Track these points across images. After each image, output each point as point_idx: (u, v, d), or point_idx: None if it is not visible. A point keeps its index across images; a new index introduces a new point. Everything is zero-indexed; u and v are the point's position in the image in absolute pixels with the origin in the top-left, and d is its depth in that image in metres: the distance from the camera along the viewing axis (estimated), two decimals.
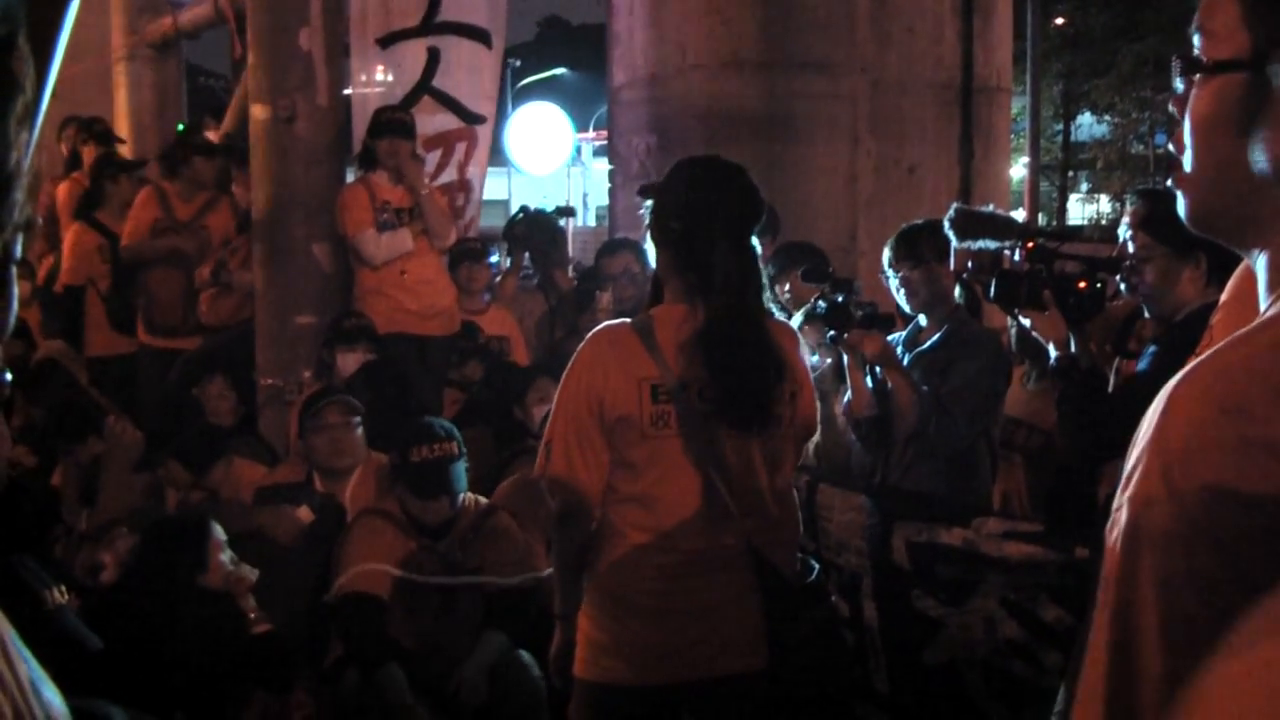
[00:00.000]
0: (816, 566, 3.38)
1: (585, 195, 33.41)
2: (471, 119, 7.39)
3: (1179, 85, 1.34)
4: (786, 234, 6.19)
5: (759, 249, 3.25)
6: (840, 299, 4.41)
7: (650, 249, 3.31)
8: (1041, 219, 29.01)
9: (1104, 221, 35.69)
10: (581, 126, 28.97)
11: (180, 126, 10.80)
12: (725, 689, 3.17)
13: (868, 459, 4.62)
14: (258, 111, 7.01)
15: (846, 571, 3.99)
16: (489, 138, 7.75)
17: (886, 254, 4.53)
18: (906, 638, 3.81)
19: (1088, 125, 37.00)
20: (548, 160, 25.03)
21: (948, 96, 7.24)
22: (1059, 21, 32.31)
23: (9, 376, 1.07)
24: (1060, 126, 35.30)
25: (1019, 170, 25.87)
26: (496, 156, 12.15)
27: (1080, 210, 38.90)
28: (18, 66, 0.91)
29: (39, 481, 6.47)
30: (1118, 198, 37.75)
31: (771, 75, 6.85)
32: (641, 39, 7.24)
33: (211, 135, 9.68)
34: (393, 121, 6.64)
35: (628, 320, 3.24)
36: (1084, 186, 39.23)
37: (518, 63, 35.01)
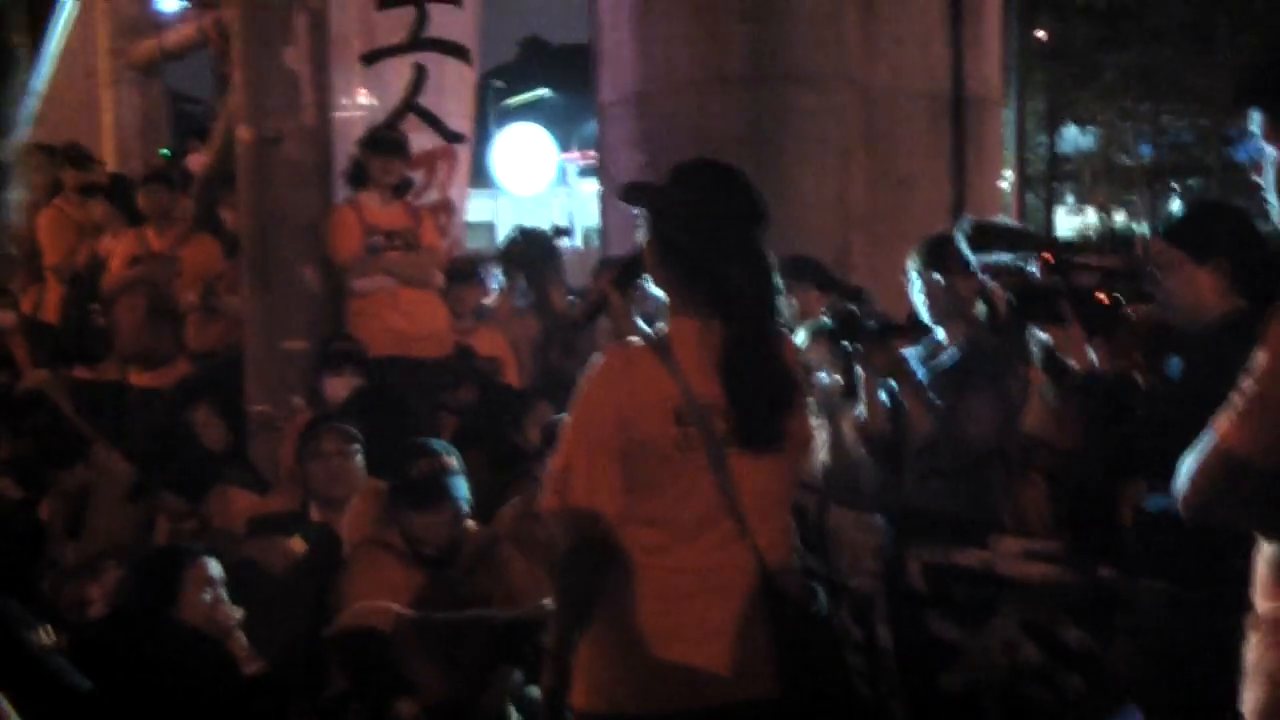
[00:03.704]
0: (820, 590, 3.29)
1: (571, 216, 33.34)
2: (451, 137, 7.32)
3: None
4: (778, 250, 6.11)
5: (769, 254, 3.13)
6: (852, 309, 4.34)
7: (647, 258, 3.15)
8: None
9: (1092, 234, 35.76)
10: (565, 147, 28.98)
11: (164, 151, 10.76)
12: (735, 717, 3.03)
13: (878, 478, 4.53)
14: (244, 133, 6.93)
15: (859, 594, 3.90)
16: (469, 158, 7.67)
17: (912, 259, 4.46)
18: (922, 662, 3.73)
19: (1072, 137, 37.08)
20: (533, 181, 25.03)
21: (938, 108, 7.20)
22: (1040, 35, 32.37)
23: None
24: (1044, 139, 35.37)
25: (1003, 184, 25.90)
26: (482, 178, 12.09)
27: (1067, 223, 38.97)
28: (13, 40, 0.79)
29: (25, 515, 6.36)
30: (1104, 209, 37.82)
31: (760, 89, 6.78)
32: (628, 56, 7.17)
33: (197, 158, 9.62)
34: (388, 140, 6.55)
35: (640, 339, 3.12)
36: (1070, 199, 39.30)
37: (500, 84, 34.95)
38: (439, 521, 4.63)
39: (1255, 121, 2.26)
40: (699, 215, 3.03)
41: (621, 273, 3.59)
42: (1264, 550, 2.26)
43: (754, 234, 3.07)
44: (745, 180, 3.12)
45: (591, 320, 4.16)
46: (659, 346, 3.02)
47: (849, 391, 4.56)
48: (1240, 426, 2.11)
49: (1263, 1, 28.06)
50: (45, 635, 3.76)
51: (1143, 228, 33.74)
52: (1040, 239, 4.38)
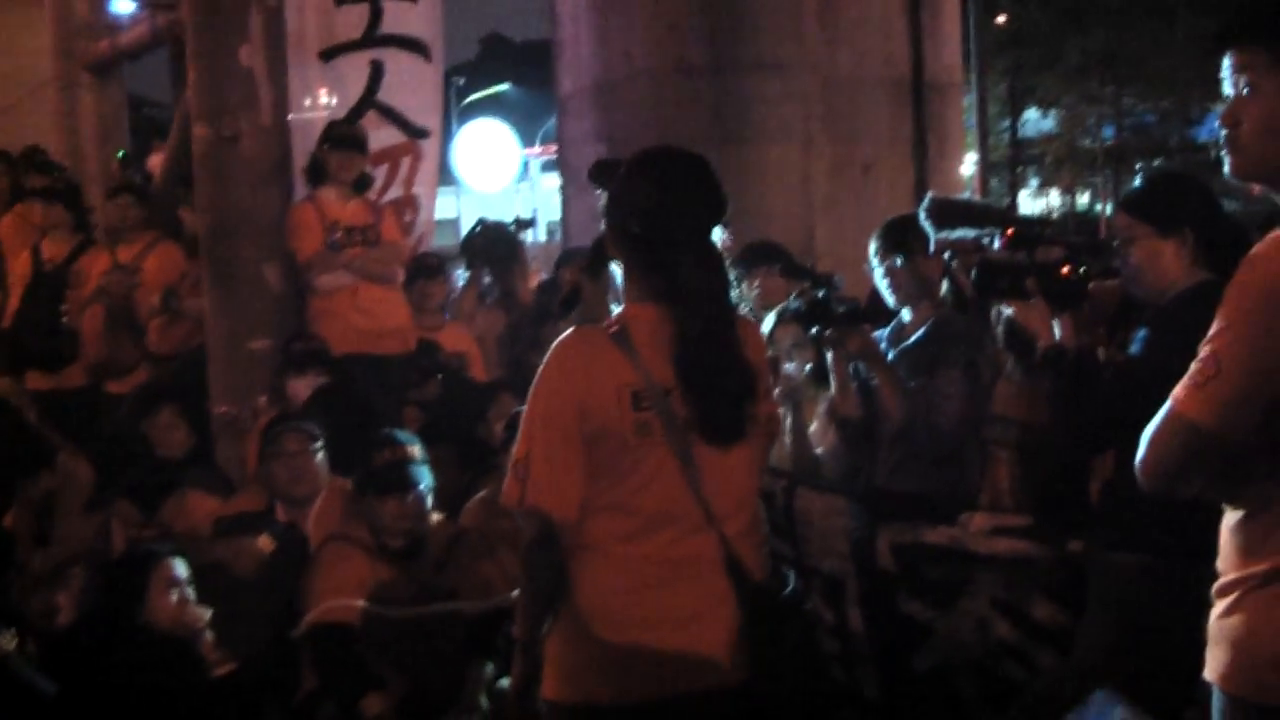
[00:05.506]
0: (792, 575, 3.26)
1: (535, 210, 33.33)
2: (415, 132, 7.26)
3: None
4: (741, 239, 6.11)
5: (722, 241, 3.06)
6: (822, 295, 4.31)
7: (606, 241, 3.09)
8: None
9: (1054, 215, 35.86)
10: (528, 142, 28.89)
11: (120, 153, 10.62)
12: (706, 704, 3.01)
13: (840, 467, 4.50)
14: (200, 132, 6.86)
15: (830, 577, 3.88)
16: (436, 153, 7.61)
17: (873, 245, 4.42)
18: (894, 643, 3.71)
19: (1034, 121, 37.12)
20: (496, 177, 24.93)
21: (899, 94, 7.20)
22: (1000, 20, 32.39)
23: None
24: (1007, 123, 35.42)
25: (967, 168, 25.94)
26: (444, 175, 12.00)
27: (1031, 206, 39.06)
28: None
29: None
30: (1068, 191, 37.95)
31: (720, 78, 6.77)
32: (587, 47, 7.15)
33: (157, 158, 9.52)
34: (347, 136, 6.51)
35: (598, 324, 3.08)
36: (1033, 182, 39.40)
37: (461, 81, 34.79)
38: (405, 508, 4.60)
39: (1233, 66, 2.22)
40: (652, 206, 2.97)
41: (592, 258, 3.55)
42: (1227, 518, 2.26)
43: (708, 226, 3.00)
44: (705, 170, 3.04)
45: (568, 311, 4.12)
46: (615, 331, 2.97)
47: (819, 377, 4.54)
48: (1197, 394, 2.12)
49: None
50: (7, 639, 3.72)
51: (1106, 209, 33.89)
52: (1003, 214, 4.35)
